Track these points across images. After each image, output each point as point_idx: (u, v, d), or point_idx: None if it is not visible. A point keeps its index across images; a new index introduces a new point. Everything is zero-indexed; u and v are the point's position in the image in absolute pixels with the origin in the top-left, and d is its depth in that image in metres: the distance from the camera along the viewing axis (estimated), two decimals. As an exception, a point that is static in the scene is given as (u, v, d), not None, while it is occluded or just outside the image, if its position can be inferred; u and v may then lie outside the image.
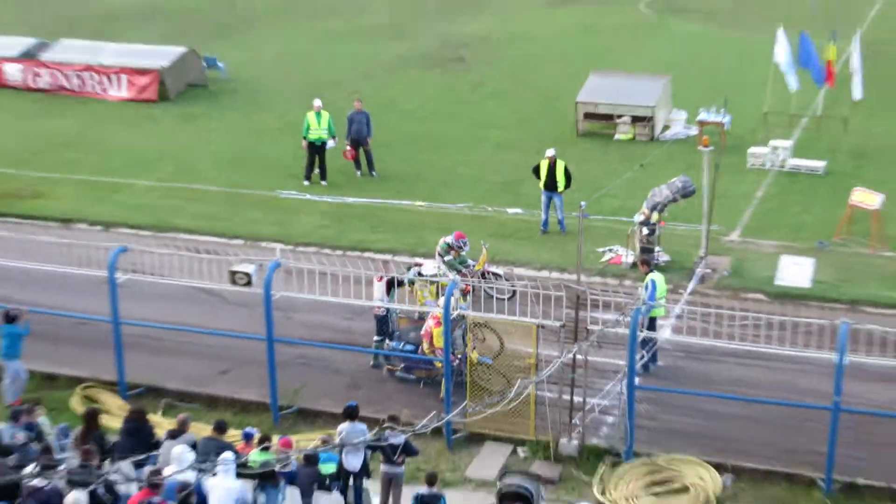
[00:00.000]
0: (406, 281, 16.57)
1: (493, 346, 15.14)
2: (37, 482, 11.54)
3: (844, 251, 19.46)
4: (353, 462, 13.09)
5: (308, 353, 16.29)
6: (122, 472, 12.29)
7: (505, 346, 14.96)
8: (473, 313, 15.43)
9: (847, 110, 25.57)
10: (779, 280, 18.42)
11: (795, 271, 18.57)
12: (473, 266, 17.21)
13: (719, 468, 13.27)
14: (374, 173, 23.66)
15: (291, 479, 12.73)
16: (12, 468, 11.88)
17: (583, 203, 16.17)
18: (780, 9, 35.57)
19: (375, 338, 16.34)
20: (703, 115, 23.50)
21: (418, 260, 17.71)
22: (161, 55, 29.58)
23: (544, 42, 33.92)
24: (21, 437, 13.26)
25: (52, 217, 21.47)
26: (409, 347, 16.22)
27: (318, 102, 23.15)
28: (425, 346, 15.53)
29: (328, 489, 12.87)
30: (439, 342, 14.83)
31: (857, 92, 24.79)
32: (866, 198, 19.30)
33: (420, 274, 16.75)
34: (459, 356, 15.17)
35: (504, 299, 15.67)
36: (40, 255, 17.11)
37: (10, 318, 14.96)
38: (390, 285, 16.24)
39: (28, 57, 30.38)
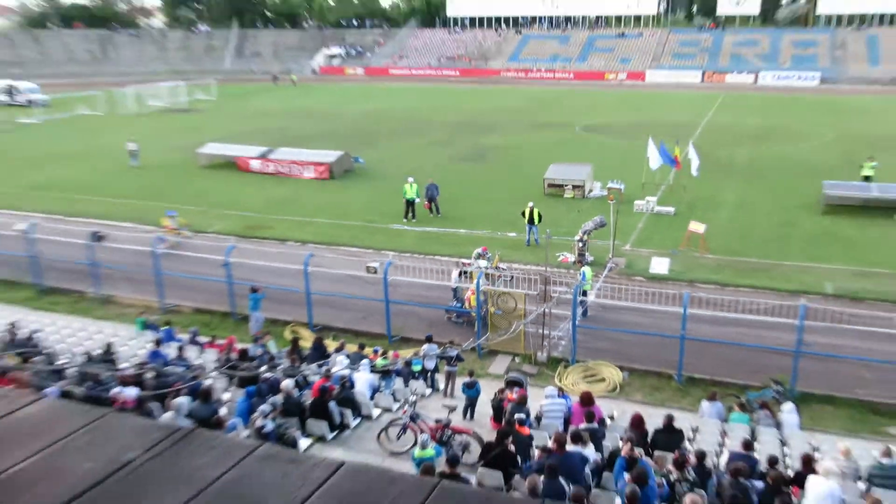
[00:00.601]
0: (465, 271, 20.66)
1: (505, 305, 19.26)
2: (267, 375, 14.07)
3: (685, 255, 24.60)
4: (430, 364, 16.87)
5: (406, 309, 20.48)
6: (311, 370, 14.95)
7: (517, 304, 18.95)
8: (492, 287, 19.84)
9: (686, 181, 32.29)
10: (651, 269, 22.90)
11: (659, 265, 22.79)
12: (491, 263, 21.55)
13: (621, 368, 17.36)
14: (439, 215, 29.99)
15: (398, 373, 16.40)
16: (255, 368, 14.46)
17: (548, 231, 21.32)
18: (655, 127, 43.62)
19: (452, 301, 20.66)
20: (610, 184, 29.98)
21: (465, 260, 21.98)
22: (330, 155, 38.49)
23: (528, 148, 44.30)
24: (259, 351, 16.29)
25: (274, 238, 27.53)
26: (457, 305, 20.33)
27: (410, 178, 29.98)
28: (466, 305, 19.77)
29: (416, 379, 16.60)
30: (474, 303, 19.09)
31: (694, 171, 31.21)
32: (696, 227, 24.65)
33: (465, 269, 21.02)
34: (484, 310, 19.11)
35: (507, 280, 20.78)
36: (268, 257, 22.76)
37: (254, 290, 19.61)
38: (460, 273, 20.71)
39: (263, 156, 39.20)
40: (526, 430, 12.15)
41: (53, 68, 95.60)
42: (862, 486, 11.03)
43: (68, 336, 18.38)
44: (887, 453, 11.21)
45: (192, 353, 16.56)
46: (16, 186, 36.02)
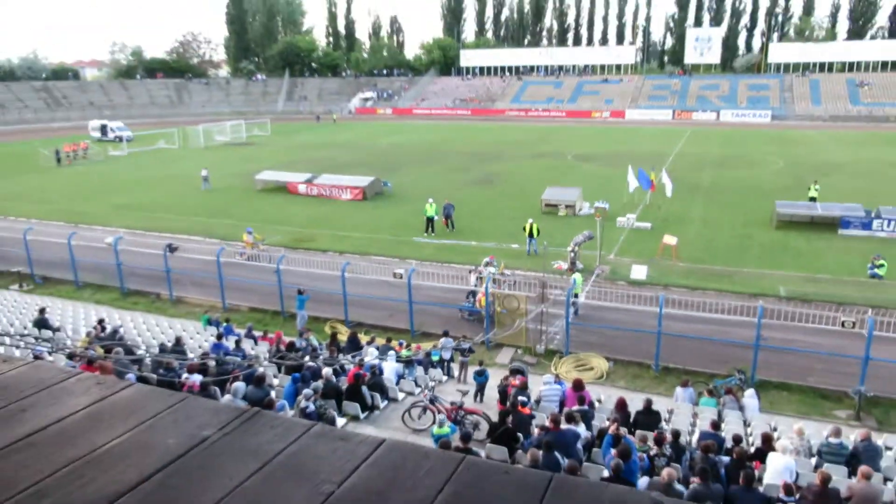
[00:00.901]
0: (481, 276, 20.67)
1: (510, 305, 19.10)
2: (310, 364, 13.98)
3: (660, 263, 24.38)
4: (446, 355, 16.89)
5: (426, 308, 20.30)
6: (347, 360, 14.89)
7: (519, 304, 18.85)
8: (498, 290, 19.81)
9: (660, 201, 32.69)
10: (632, 275, 22.77)
11: (639, 271, 22.68)
12: (497, 270, 21.71)
13: (608, 359, 17.34)
14: (454, 229, 29.78)
15: (419, 363, 16.46)
16: (300, 358, 14.60)
17: (545, 243, 21.25)
18: (633, 156, 40.81)
19: (466, 301, 20.52)
20: (597, 204, 28.24)
21: (479, 267, 22.16)
22: (364, 180, 38.51)
23: (528, 174, 43.90)
24: (303, 344, 16.51)
25: (317, 249, 27.16)
26: (469, 305, 20.21)
27: (430, 199, 30.00)
28: (477, 305, 19.77)
29: (435, 367, 16.61)
30: (483, 304, 19.16)
31: (668, 193, 31.41)
32: (670, 239, 24.48)
33: (480, 274, 21.11)
34: (492, 309, 19.15)
35: (511, 284, 20.70)
36: (312, 264, 22.71)
37: (300, 292, 19.78)
38: (477, 278, 20.79)
39: (308, 181, 39.28)
40: (527, 411, 12.08)
41: (138, 110, 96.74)
42: (813, 461, 10.91)
43: (145, 331, 18.53)
44: (836, 433, 11.09)
45: (247, 345, 16.65)
46: (106, 206, 36.36)
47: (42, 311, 18.11)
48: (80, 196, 39.79)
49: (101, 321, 17.45)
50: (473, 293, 20.70)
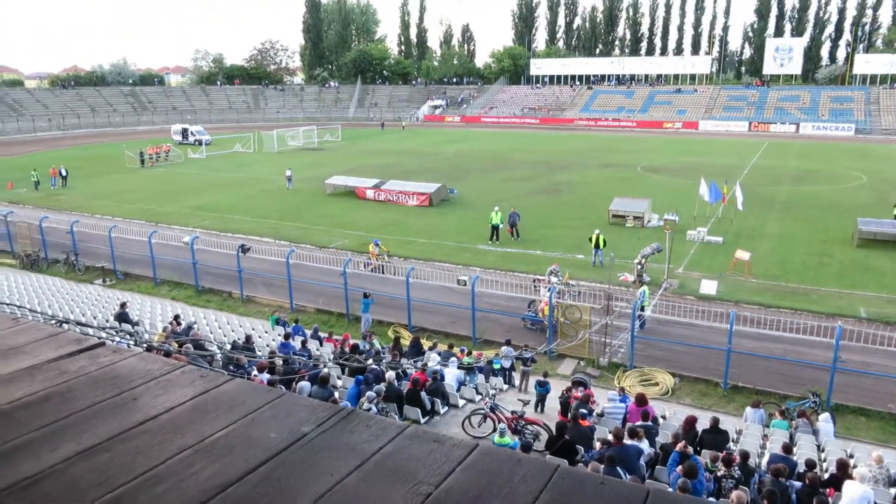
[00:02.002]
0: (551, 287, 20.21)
1: (572, 316, 19.15)
2: (373, 366, 14.53)
3: (731, 278, 23.52)
4: (507, 364, 16.80)
5: (489, 316, 20.33)
6: (409, 364, 15.21)
7: (583, 315, 18.78)
8: (562, 301, 19.61)
9: (732, 215, 31.58)
10: (701, 290, 22.07)
11: (708, 286, 21.96)
12: (562, 279, 21.38)
13: (673, 374, 16.97)
14: (519, 238, 29.54)
15: (480, 370, 16.35)
16: (364, 360, 14.85)
17: (611, 254, 20.85)
18: (705, 168, 39.67)
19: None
20: (666, 216, 28.68)
21: (539, 276, 22.08)
22: (430, 187, 38.74)
23: (595, 184, 43.17)
24: (367, 346, 16.87)
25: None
26: (532, 315, 20.06)
27: (496, 207, 30.07)
28: (540, 315, 19.60)
29: (496, 376, 16.50)
30: (546, 313, 18.98)
31: (740, 206, 30.42)
32: (742, 255, 23.67)
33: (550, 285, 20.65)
34: (555, 319, 19.00)
35: (576, 295, 20.49)
36: (379, 268, 23.29)
37: (366, 295, 20.05)
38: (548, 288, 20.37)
39: (376, 187, 39.72)
40: (587, 423, 11.92)
41: (217, 115, 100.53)
42: (893, 492, 10.34)
43: (217, 328, 19.20)
44: (917, 463, 10.50)
45: (313, 346, 16.90)
46: (184, 207, 37.82)
47: (123, 305, 19.03)
48: (160, 196, 41.47)
49: (176, 317, 18.23)
50: (534, 302, 20.53)
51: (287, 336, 17.20)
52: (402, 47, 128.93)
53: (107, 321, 17.95)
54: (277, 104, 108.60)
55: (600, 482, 1.09)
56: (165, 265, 25.79)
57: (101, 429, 1.34)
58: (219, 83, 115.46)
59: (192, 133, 71.54)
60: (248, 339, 16.71)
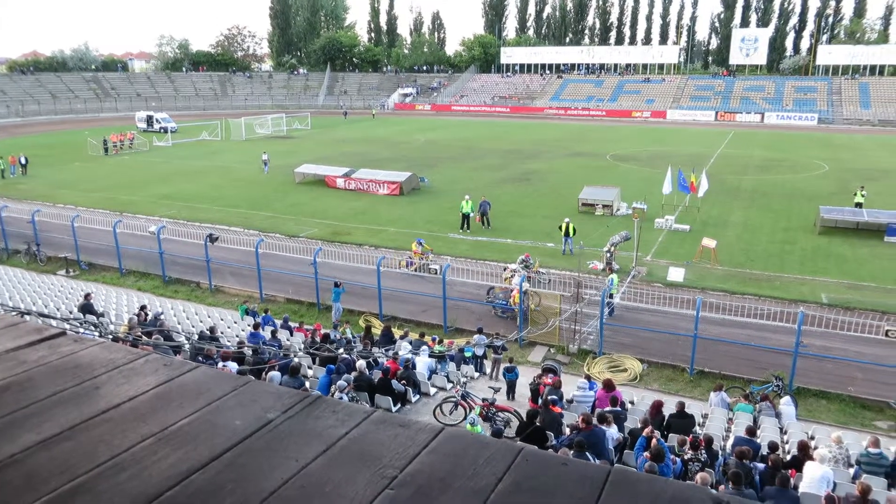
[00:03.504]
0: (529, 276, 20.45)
1: (544, 303, 19.14)
2: (344, 356, 14.44)
3: (698, 266, 23.94)
4: (479, 351, 16.91)
5: (460, 304, 20.37)
6: (380, 353, 15.26)
7: (541, 301, 18.98)
8: (532, 288, 19.78)
9: (699, 203, 32.19)
10: (668, 277, 22.34)
11: (676, 273, 22.20)
12: (532, 268, 21.58)
13: (641, 360, 17.17)
14: (490, 227, 29.63)
15: (452, 358, 16.36)
16: (335, 349, 14.76)
17: (581, 242, 21.03)
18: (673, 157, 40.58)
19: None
20: (634, 204, 28.79)
21: (512, 265, 21.97)
22: (401, 175, 38.58)
23: (565, 173, 43.36)
24: (338, 336, 16.69)
25: (353, 242, 27.35)
26: (503, 303, 20.00)
27: (467, 196, 30.14)
28: (510, 302, 19.59)
29: (467, 364, 16.61)
30: (517, 301, 18.98)
31: (700, 194, 30.94)
32: (708, 242, 24.08)
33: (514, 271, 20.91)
34: (526, 306, 19.09)
35: (546, 282, 20.77)
36: (348, 258, 22.91)
37: (337, 285, 19.98)
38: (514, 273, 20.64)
39: (346, 175, 39.51)
40: (557, 409, 12.07)
41: (183, 102, 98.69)
42: (851, 471, 10.68)
43: (185, 318, 18.95)
44: (875, 443, 10.86)
45: (283, 336, 16.80)
46: (150, 196, 37.13)
47: (87, 296, 18.67)
48: (125, 185, 40.70)
49: (143, 308, 17.94)
50: (492, 289, 20.75)
51: (257, 326, 17.00)
52: (372, 35, 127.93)
53: (70, 312, 17.62)
54: (245, 91, 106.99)
55: (563, 463, 1.11)
56: (131, 255, 25.33)
57: (61, 418, 1.32)
58: (184, 70, 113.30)
59: (157, 120, 70.19)
60: (213, 329, 16.52)
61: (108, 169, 47.40)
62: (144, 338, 14.26)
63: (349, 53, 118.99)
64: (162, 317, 17.69)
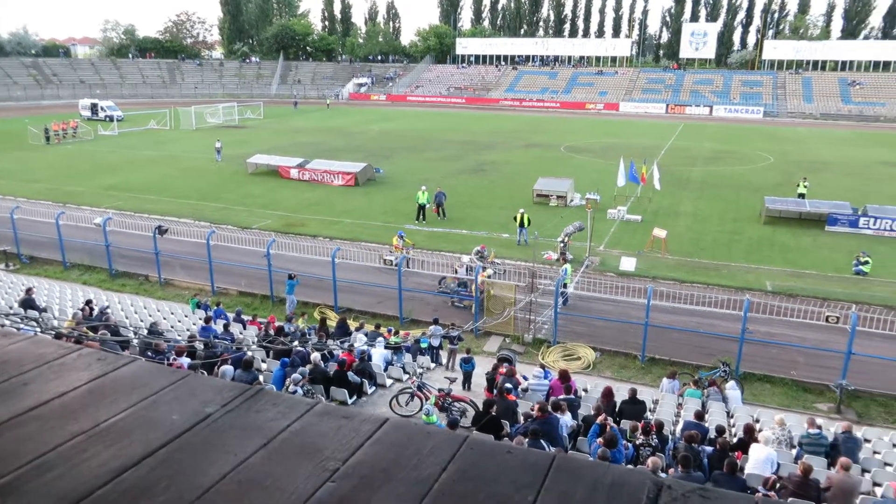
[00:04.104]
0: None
1: (500, 293, 19.16)
2: (299, 348, 14.10)
3: (649, 255, 24.42)
4: (435, 342, 16.91)
5: (415, 295, 20.42)
6: (335, 345, 15.22)
7: (510, 294, 18.87)
8: (488, 279, 19.56)
9: (651, 194, 32.91)
10: (621, 267, 22.74)
11: (627, 263, 22.66)
12: (488, 258, 21.58)
13: (594, 349, 17.42)
14: (445, 218, 29.65)
15: (407, 349, 16.44)
16: (289, 342, 14.37)
17: (535, 233, 21.18)
18: (625, 148, 43.21)
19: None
20: (588, 195, 28.63)
21: (464, 257, 22.07)
22: (356, 166, 38.15)
23: (520, 164, 43.56)
24: (292, 328, 16.43)
25: (308, 234, 26.65)
26: (457, 293, 20.10)
27: (423, 187, 29.99)
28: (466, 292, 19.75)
29: (423, 354, 16.54)
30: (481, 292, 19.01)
31: (656, 185, 31.47)
32: (659, 232, 24.51)
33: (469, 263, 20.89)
34: (482, 297, 19.12)
35: (501, 273, 20.85)
36: (302, 249, 22.56)
37: (291, 276, 19.72)
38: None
39: (300, 166, 38.86)
40: (512, 397, 12.19)
41: (130, 90, 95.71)
42: (794, 452, 11.07)
43: (133, 313, 18.45)
44: (812, 423, 11.30)
45: (236, 329, 16.49)
46: (95, 187, 35.98)
47: (29, 290, 17.97)
48: (68, 175, 39.38)
49: (88, 302, 17.37)
50: (444, 279, 20.84)
51: (208, 320, 16.65)
52: (326, 23, 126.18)
53: (10, 308, 16.96)
54: (195, 79, 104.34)
55: (507, 451, 1.11)
56: (75, 248, 24.48)
57: (-14, 416, 1.25)
58: (131, 56, 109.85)
59: (102, 108, 67.96)
60: (153, 325, 16.00)
61: (51, 159, 45.71)
62: (91, 333, 13.92)
63: (303, 42, 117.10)
64: (109, 311, 17.18)
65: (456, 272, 20.82)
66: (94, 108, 68.82)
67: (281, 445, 1.16)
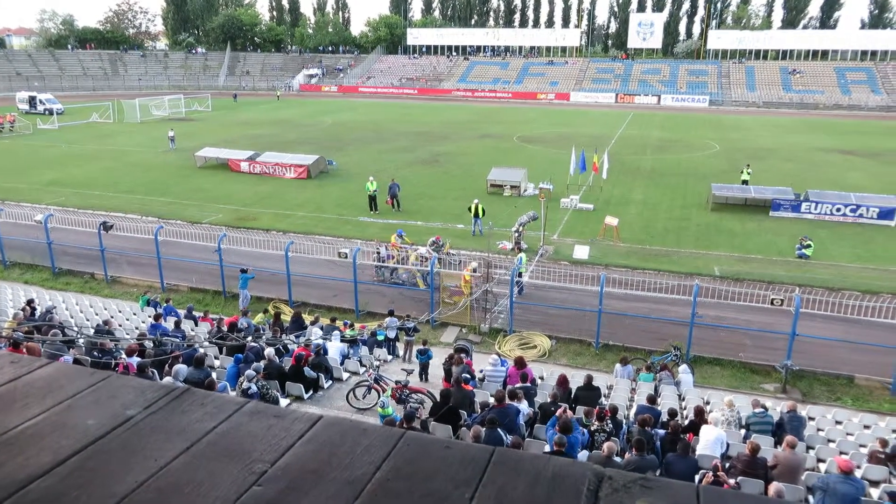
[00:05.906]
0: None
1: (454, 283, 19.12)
2: (252, 344, 13.95)
3: (602, 243, 24.77)
4: (391, 334, 16.89)
5: (371, 288, 20.45)
6: (290, 340, 15.21)
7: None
8: (444, 270, 19.60)
9: (602, 183, 33.46)
10: (574, 255, 22.85)
11: (581, 251, 22.85)
12: (443, 249, 21.52)
13: (550, 337, 17.63)
14: (400, 209, 29.52)
15: (364, 342, 16.37)
16: (242, 338, 14.41)
17: (490, 223, 21.23)
18: (577, 138, 42.73)
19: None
20: (541, 185, 29.26)
21: (420, 248, 21.54)
22: (308, 158, 37.65)
23: (474, 155, 43.51)
24: (246, 324, 15.99)
25: (260, 228, 26.66)
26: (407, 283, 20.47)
27: (371, 177, 29.92)
28: (421, 284, 19.86)
29: (380, 347, 16.49)
30: (465, 287, 18.65)
31: (604, 174, 32.24)
32: (611, 220, 24.93)
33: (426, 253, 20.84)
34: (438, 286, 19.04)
35: (457, 263, 20.81)
36: (255, 244, 22.00)
37: (244, 271, 19.30)
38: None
39: (251, 159, 38.13)
40: (469, 387, 12.21)
41: (70, 82, 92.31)
42: (742, 432, 11.38)
43: (79, 312, 17.87)
44: (756, 404, 11.67)
45: (187, 326, 16.16)
46: (36, 183, 34.62)
47: (-34, 291, 17.22)
48: (6, 171, 37.84)
49: (30, 302, 16.72)
50: (395, 270, 20.95)
51: (158, 317, 16.20)
52: (274, 13, 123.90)
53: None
54: (139, 71, 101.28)
55: (446, 446, 1.06)
56: (15, 246, 23.61)
57: None
58: (70, 47, 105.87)
59: (40, 101, 65.52)
60: (107, 323, 15.55)
61: (-14, 154, 43.88)
62: (37, 334, 13.39)
63: (250, 32, 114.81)
64: (53, 311, 16.56)
65: (378, 253, 21.09)
66: (32, 101, 66.26)
67: (206, 448, 1.08)
